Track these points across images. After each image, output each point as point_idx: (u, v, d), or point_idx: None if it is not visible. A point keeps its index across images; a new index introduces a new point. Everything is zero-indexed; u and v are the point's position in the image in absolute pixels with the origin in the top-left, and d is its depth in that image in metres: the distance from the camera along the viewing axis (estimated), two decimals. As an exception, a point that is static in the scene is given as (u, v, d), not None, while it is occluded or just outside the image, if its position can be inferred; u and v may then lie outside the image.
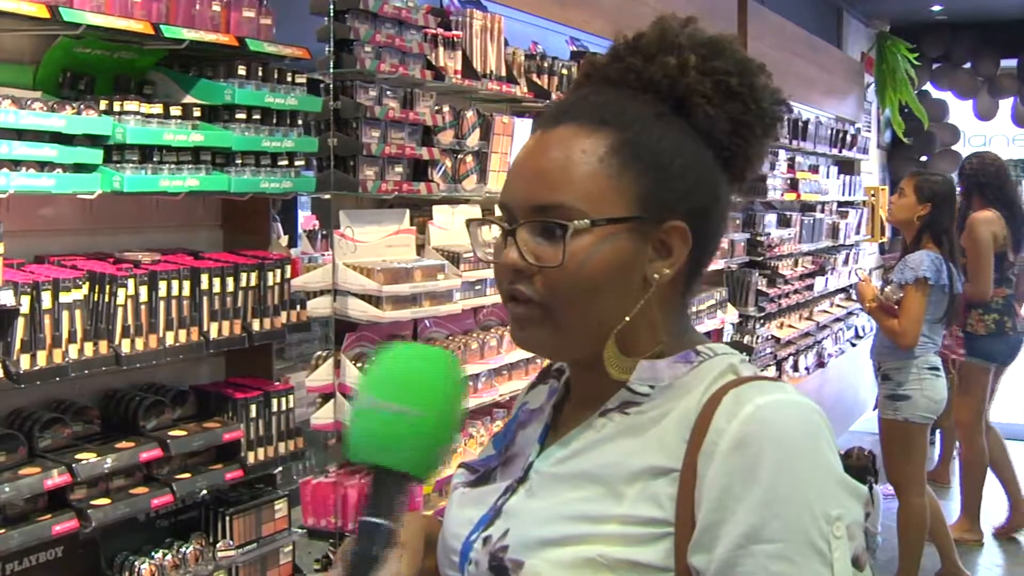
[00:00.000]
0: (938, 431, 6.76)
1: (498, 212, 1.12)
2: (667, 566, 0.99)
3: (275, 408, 2.85)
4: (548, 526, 1.03)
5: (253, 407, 2.79)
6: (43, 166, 2.22)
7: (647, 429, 1.05)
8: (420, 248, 3.42)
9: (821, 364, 7.42)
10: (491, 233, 1.13)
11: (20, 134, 2.18)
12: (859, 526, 1.00)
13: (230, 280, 2.67)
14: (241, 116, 2.65)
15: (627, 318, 1.06)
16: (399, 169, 3.27)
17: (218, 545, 2.71)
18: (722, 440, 0.98)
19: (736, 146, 1.10)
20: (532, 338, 1.09)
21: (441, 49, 3.45)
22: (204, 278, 2.60)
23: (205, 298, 2.61)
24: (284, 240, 4.68)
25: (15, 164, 2.17)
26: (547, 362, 1.28)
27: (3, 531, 2.20)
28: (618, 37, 1.13)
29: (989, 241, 5.33)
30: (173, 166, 2.49)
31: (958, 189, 5.19)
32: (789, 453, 0.96)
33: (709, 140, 1.08)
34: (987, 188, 5.45)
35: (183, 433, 2.60)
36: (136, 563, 2.53)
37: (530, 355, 3.69)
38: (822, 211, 7.94)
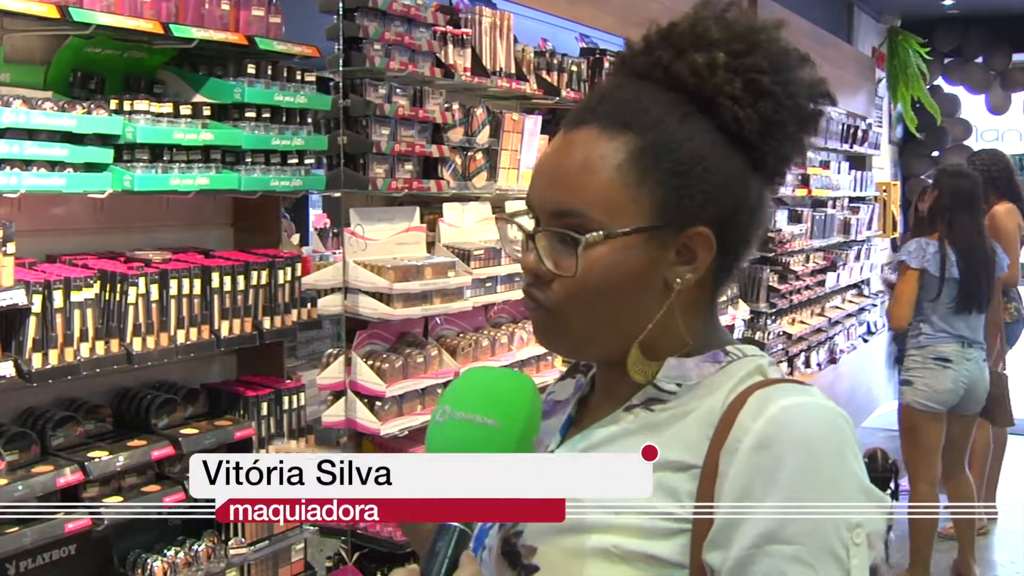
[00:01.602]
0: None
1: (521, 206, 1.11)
2: (682, 562, 0.98)
3: (286, 406, 2.86)
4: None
5: (264, 405, 2.80)
6: (54, 166, 2.23)
7: (670, 426, 1.03)
8: (430, 246, 3.42)
9: (833, 360, 7.40)
10: (517, 231, 1.11)
11: (31, 134, 2.19)
12: (880, 537, 0.98)
13: (241, 278, 2.68)
14: (251, 115, 2.66)
15: (650, 325, 1.04)
16: (409, 167, 3.28)
17: (230, 543, 2.72)
18: (746, 438, 0.96)
19: (767, 146, 1.05)
20: (548, 339, 1.09)
21: (450, 47, 3.45)
22: (215, 276, 2.61)
23: (216, 296, 2.61)
24: (295, 238, 4.69)
25: (26, 164, 2.18)
26: (557, 361, 1.27)
27: (16, 529, 2.21)
28: (651, 25, 1.08)
29: (1015, 230, 5.52)
30: (183, 165, 2.50)
31: None
32: (813, 456, 0.95)
33: (738, 140, 1.04)
34: (999, 182, 5.59)
35: (195, 431, 2.61)
36: (149, 561, 2.54)
37: (542, 352, 3.69)
38: (833, 207, 7.91)
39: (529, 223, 1.07)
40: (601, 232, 1.01)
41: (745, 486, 0.95)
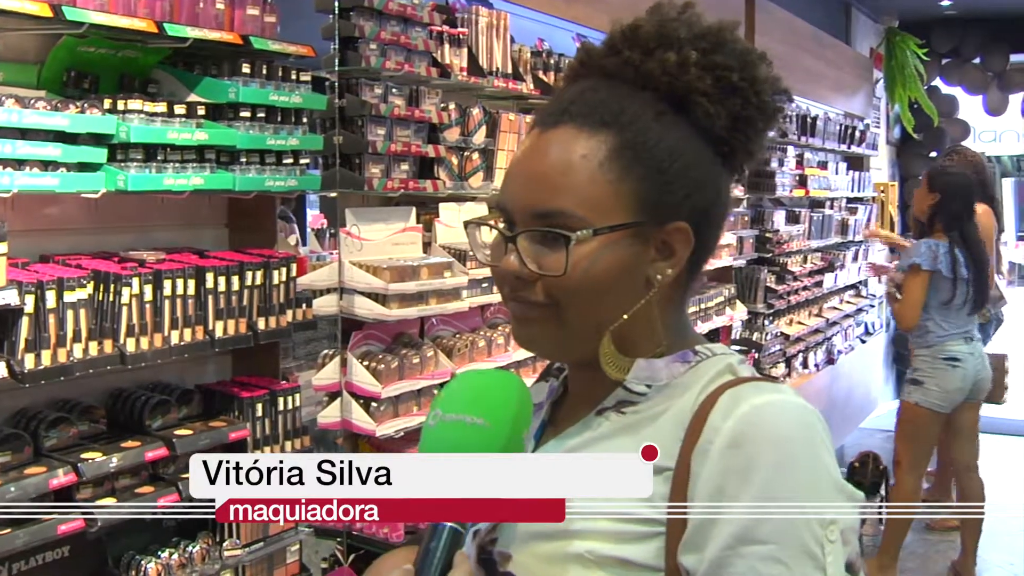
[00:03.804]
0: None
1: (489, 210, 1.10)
2: (657, 565, 0.98)
3: (281, 407, 2.84)
4: None
5: (259, 406, 2.79)
6: (47, 165, 2.22)
7: (643, 428, 1.03)
8: (426, 246, 3.41)
9: (831, 361, 7.39)
10: (490, 235, 1.10)
11: (24, 133, 2.18)
12: (854, 531, 0.98)
13: (235, 279, 2.67)
14: (246, 114, 2.65)
15: (625, 316, 1.04)
16: (405, 167, 3.26)
17: (224, 544, 2.70)
18: (717, 439, 0.96)
19: (736, 141, 1.07)
20: (533, 337, 1.08)
21: (447, 46, 3.44)
22: (209, 277, 2.60)
23: (210, 297, 2.60)
24: (293, 239, 4.68)
25: (19, 163, 2.17)
26: None
27: (9, 531, 2.19)
28: (614, 26, 1.09)
29: (992, 232, 5.59)
30: (177, 165, 2.48)
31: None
32: (785, 454, 0.95)
33: (708, 136, 1.06)
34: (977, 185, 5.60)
35: (189, 432, 2.60)
36: (143, 562, 2.53)
37: (537, 353, 3.68)
38: (831, 207, 7.90)
39: (500, 226, 1.07)
40: (589, 230, 1.01)
41: (718, 486, 0.95)
